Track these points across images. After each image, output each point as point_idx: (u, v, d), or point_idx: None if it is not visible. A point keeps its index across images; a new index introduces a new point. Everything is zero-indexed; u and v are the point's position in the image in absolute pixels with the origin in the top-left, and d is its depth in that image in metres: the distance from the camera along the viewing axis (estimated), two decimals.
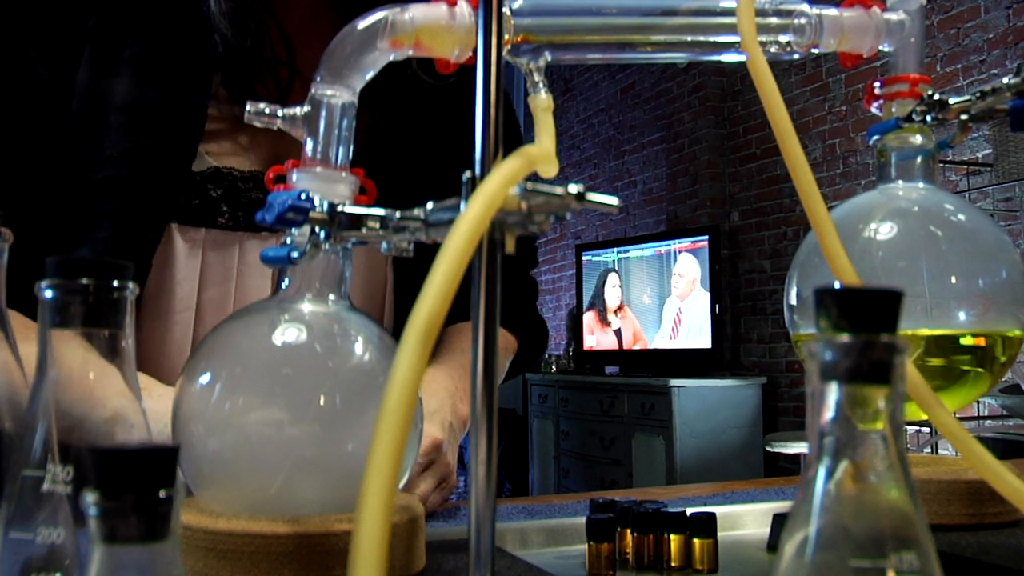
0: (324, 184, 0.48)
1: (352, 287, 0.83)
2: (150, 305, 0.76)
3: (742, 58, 0.55)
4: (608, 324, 4.66)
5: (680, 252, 4.26)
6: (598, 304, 4.73)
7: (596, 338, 4.76)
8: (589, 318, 4.79)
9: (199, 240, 0.78)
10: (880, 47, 0.61)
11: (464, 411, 0.79)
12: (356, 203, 0.49)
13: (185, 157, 0.77)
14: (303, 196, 0.45)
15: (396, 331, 0.45)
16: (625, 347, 4.56)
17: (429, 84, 0.79)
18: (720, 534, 0.57)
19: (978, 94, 0.58)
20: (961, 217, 0.62)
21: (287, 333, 0.47)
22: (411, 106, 0.86)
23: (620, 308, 4.60)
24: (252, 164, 0.81)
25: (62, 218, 0.74)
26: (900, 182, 0.62)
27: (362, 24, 0.50)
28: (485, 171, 0.37)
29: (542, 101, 0.51)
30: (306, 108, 0.50)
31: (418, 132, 0.87)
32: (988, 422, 2.92)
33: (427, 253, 0.38)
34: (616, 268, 4.62)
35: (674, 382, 3.85)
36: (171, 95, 0.76)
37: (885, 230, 0.61)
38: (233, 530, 0.42)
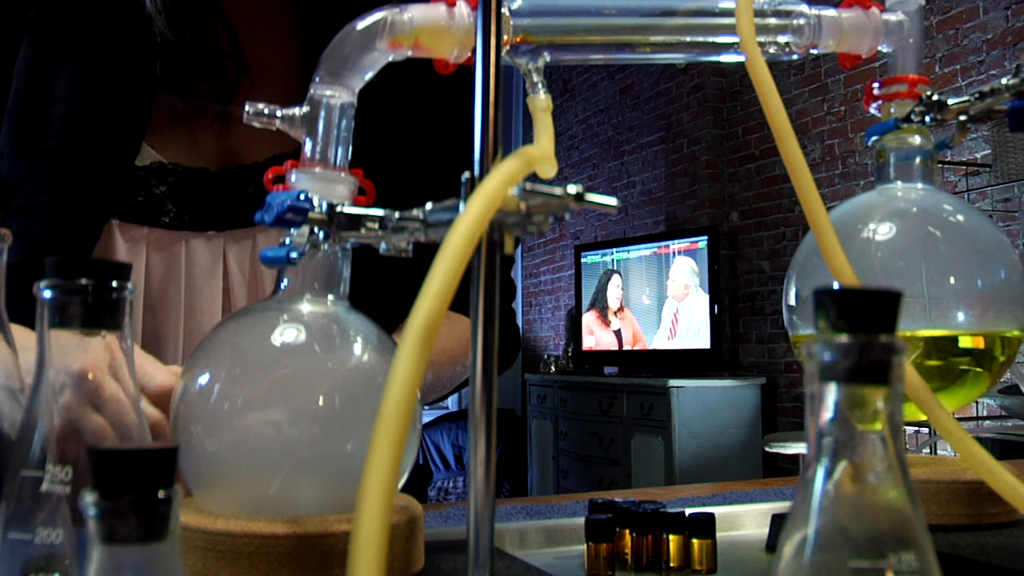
0: (323, 184, 0.48)
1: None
2: None
3: (741, 59, 0.55)
4: (608, 324, 4.66)
5: (675, 255, 4.26)
6: (599, 304, 4.73)
7: (595, 338, 4.76)
8: (590, 318, 4.79)
9: (141, 239, 0.76)
10: (879, 48, 0.61)
11: None
12: (355, 203, 0.49)
13: (128, 150, 0.76)
14: (302, 196, 0.45)
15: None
16: (624, 348, 4.56)
17: (416, 85, 0.78)
18: (719, 534, 0.57)
19: (977, 95, 0.58)
20: (960, 218, 0.62)
21: (286, 333, 0.47)
22: (400, 114, 0.85)
23: (621, 309, 4.60)
24: (199, 160, 0.79)
25: (7, 213, 0.74)
26: (899, 183, 0.62)
27: (361, 24, 0.50)
28: (484, 171, 0.37)
29: (541, 102, 0.51)
30: (305, 108, 0.50)
31: (406, 139, 0.87)
32: (987, 422, 2.92)
33: (426, 253, 0.38)
34: (618, 269, 4.62)
35: (673, 382, 3.85)
36: (115, 87, 0.75)
37: (884, 231, 0.61)
38: (232, 530, 0.42)
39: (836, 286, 0.27)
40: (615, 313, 4.62)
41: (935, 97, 0.59)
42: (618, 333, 4.60)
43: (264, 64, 0.80)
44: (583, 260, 4.86)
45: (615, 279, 4.63)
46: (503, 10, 0.50)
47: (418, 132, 0.86)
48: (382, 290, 0.67)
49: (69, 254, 0.73)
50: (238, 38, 0.77)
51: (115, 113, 0.75)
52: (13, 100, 0.74)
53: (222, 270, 0.79)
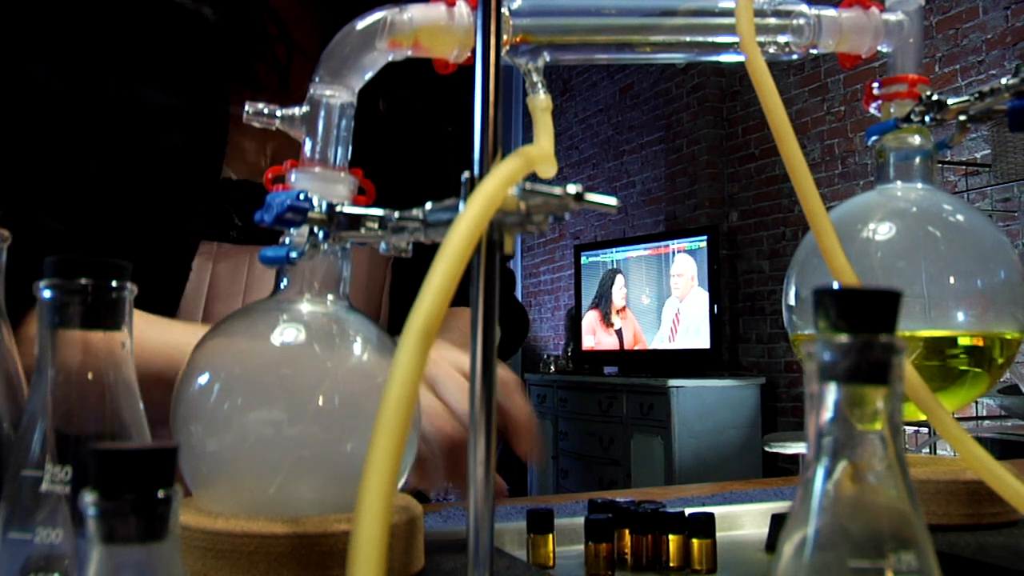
0: (323, 184, 0.48)
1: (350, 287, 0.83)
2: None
3: (741, 59, 0.55)
4: (611, 325, 4.66)
5: (676, 253, 4.26)
6: (603, 305, 4.73)
7: (596, 338, 4.76)
8: (591, 318, 4.78)
9: (210, 254, 0.76)
10: (879, 48, 0.61)
11: None
12: (355, 203, 0.49)
13: (214, 160, 0.76)
14: (302, 196, 0.45)
15: (392, 331, 0.45)
16: (625, 348, 4.56)
17: (413, 86, 0.78)
18: (719, 534, 0.57)
19: (976, 95, 0.58)
20: (959, 218, 0.62)
21: (286, 333, 0.47)
22: (400, 114, 0.85)
23: (623, 309, 4.60)
24: (256, 173, 0.79)
25: (101, 224, 0.73)
26: (899, 182, 0.62)
27: (361, 24, 0.50)
28: (484, 171, 0.37)
29: (541, 101, 0.51)
30: (305, 108, 0.50)
31: (406, 140, 0.86)
32: (986, 422, 2.92)
33: (425, 253, 0.38)
34: (621, 269, 4.62)
35: (673, 382, 3.85)
36: (194, 96, 0.75)
37: (884, 231, 0.61)
38: (232, 530, 0.42)
39: (836, 286, 0.27)
40: (618, 313, 4.62)
41: (935, 97, 0.59)
42: (619, 333, 4.60)
43: (310, 41, 0.78)
44: (583, 260, 4.86)
45: (619, 279, 4.62)
46: (503, 10, 0.50)
47: (419, 132, 0.86)
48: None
49: (171, 264, 0.74)
50: (282, 20, 0.76)
51: (199, 122, 0.75)
52: (107, 117, 0.72)
53: None
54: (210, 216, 0.76)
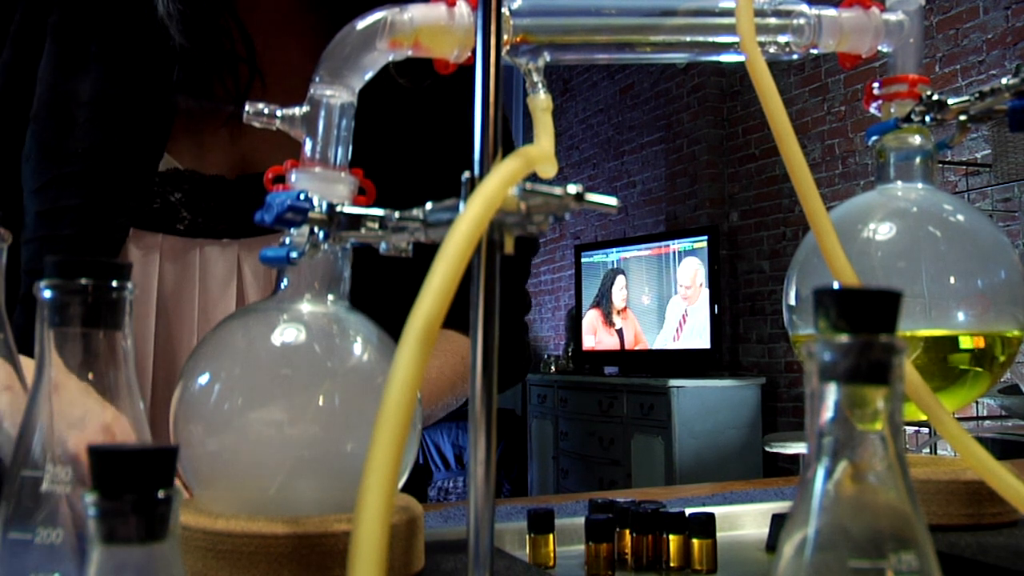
0: (323, 184, 0.48)
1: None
2: None
3: (741, 58, 0.55)
4: (612, 325, 4.66)
5: (681, 255, 4.26)
6: (603, 305, 4.73)
7: (596, 338, 4.76)
8: (593, 318, 4.78)
9: (155, 246, 0.76)
10: (879, 48, 0.61)
11: None
12: (355, 203, 0.49)
13: (151, 155, 0.75)
14: (302, 196, 0.45)
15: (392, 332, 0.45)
16: (626, 348, 4.56)
17: (406, 91, 0.78)
18: (719, 534, 0.57)
19: (977, 95, 0.58)
20: (960, 217, 0.62)
21: (286, 333, 0.47)
22: (400, 115, 0.85)
23: (624, 309, 4.60)
24: (213, 167, 0.79)
25: (22, 215, 0.73)
26: (899, 182, 0.62)
27: (361, 24, 0.50)
28: (484, 171, 0.37)
29: (541, 101, 0.51)
30: (305, 108, 0.50)
31: (406, 140, 0.86)
32: (987, 422, 2.92)
33: (426, 253, 0.38)
34: (624, 270, 4.62)
35: (673, 382, 3.85)
36: (136, 91, 0.75)
37: (884, 231, 0.61)
38: (232, 530, 0.42)
39: (836, 286, 0.27)
40: (619, 313, 4.62)
41: (935, 97, 0.59)
42: (620, 333, 4.60)
43: (278, 68, 0.79)
44: (583, 260, 4.86)
45: (620, 279, 4.63)
46: (503, 10, 0.50)
47: (421, 132, 0.86)
48: (387, 291, 0.67)
49: (100, 253, 0.73)
50: (252, 41, 0.77)
51: (138, 117, 0.75)
52: (37, 104, 0.74)
53: (236, 278, 0.79)
54: (150, 207, 0.75)
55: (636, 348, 4.48)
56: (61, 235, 0.73)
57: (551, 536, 0.57)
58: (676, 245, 4.29)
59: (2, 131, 0.75)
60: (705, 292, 4.14)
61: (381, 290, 0.67)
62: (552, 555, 0.57)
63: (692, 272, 4.21)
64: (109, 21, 0.76)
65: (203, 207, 0.77)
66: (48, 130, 0.74)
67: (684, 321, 4.23)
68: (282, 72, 0.80)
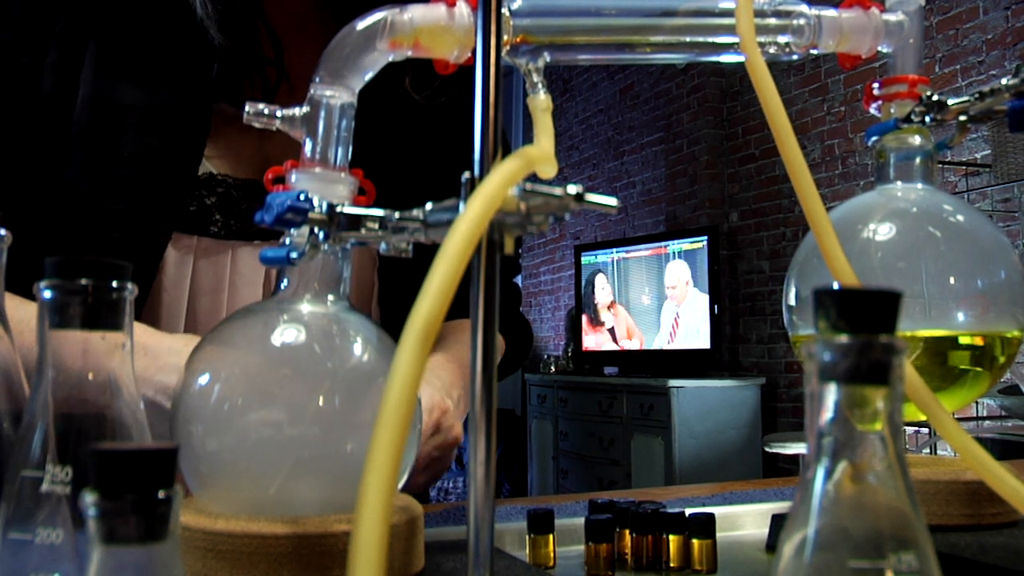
0: (323, 185, 0.48)
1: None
2: (139, 312, 0.76)
3: (741, 59, 0.55)
4: (601, 324, 4.66)
5: (671, 257, 4.26)
6: (588, 308, 4.74)
7: (594, 338, 4.76)
8: (585, 320, 4.79)
9: (190, 248, 0.77)
10: (879, 48, 0.61)
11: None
12: (355, 204, 0.49)
13: (193, 158, 0.77)
14: (302, 197, 0.45)
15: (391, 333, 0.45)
16: (620, 345, 4.56)
17: (419, 105, 0.79)
18: (719, 535, 0.57)
19: (977, 95, 0.58)
20: (960, 218, 0.62)
21: (286, 334, 0.47)
22: (403, 114, 0.85)
23: (612, 304, 4.60)
24: (245, 171, 0.80)
25: (69, 219, 0.74)
26: (899, 183, 0.62)
27: (361, 25, 0.50)
28: (484, 172, 0.37)
29: (541, 102, 0.51)
30: (305, 109, 0.50)
31: (410, 139, 0.87)
32: (987, 423, 2.92)
33: (421, 255, 0.38)
34: (604, 269, 4.63)
35: (673, 383, 3.85)
36: (180, 95, 0.76)
37: (884, 231, 0.61)
38: (232, 531, 0.42)
39: (836, 286, 0.27)
40: (607, 308, 4.62)
41: (935, 97, 0.59)
42: (612, 331, 4.61)
43: (301, 70, 0.80)
44: (583, 260, 4.86)
45: (600, 279, 4.64)
46: (503, 10, 0.50)
47: (427, 133, 0.87)
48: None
49: (140, 260, 0.74)
50: (280, 43, 0.78)
51: (181, 121, 0.76)
52: (80, 106, 0.74)
53: (263, 278, 0.81)
54: (187, 210, 0.77)
55: (636, 348, 4.48)
56: (110, 238, 0.73)
57: (551, 536, 0.57)
58: (675, 246, 4.29)
59: (47, 131, 0.75)
60: (694, 293, 4.14)
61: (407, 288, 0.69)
62: (552, 555, 0.57)
63: (676, 279, 4.22)
64: (149, 24, 0.76)
65: (235, 210, 0.79)
66: (94, 133, 0.74)
67: (677, 324, 4.23)
68: (305, 74, 0.80)
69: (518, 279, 1.11)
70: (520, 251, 1.18)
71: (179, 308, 0.77)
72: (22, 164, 0.74)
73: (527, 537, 0.58)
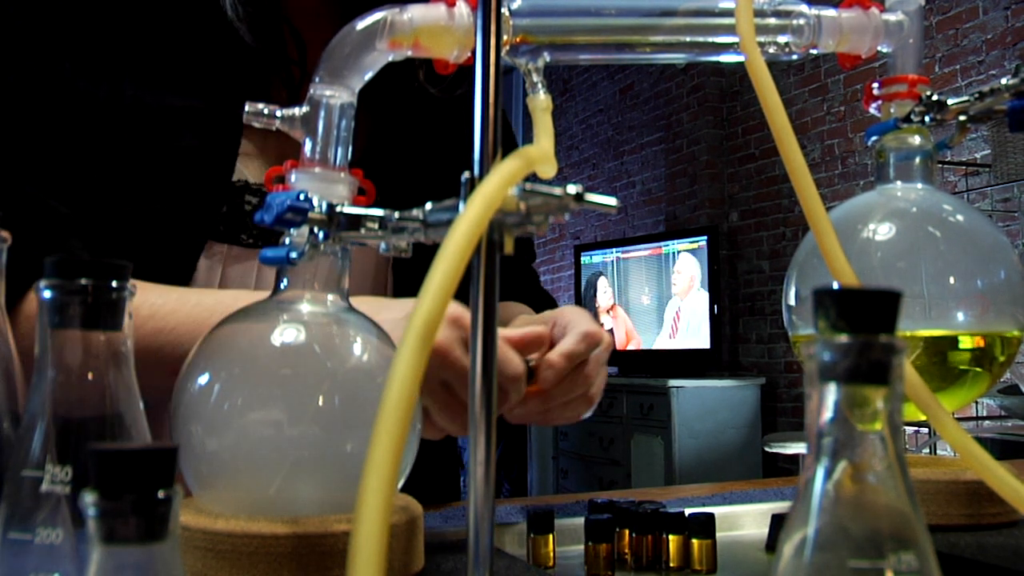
0: (323, 185, 0.48)
1: (354, 290, 0.84)
2: None
3: (741, 59, 0.55)
4: (600, 326, 4.66)
5: (679, 253, 4.26)
6: (589, 309, 4.73)
7: None
8: None
9: (221, 255, 0.77)
10: (879, 48, 0.61)
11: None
12: (355, 204, 0.49)
13: (228, 160, 0.76)
14: (302, 196, 0.45)
15: None
16: (618, 347, 4.56)
17: (435, 98, 0.78)
18: (719, 534, 0.57)
19: (976, 95, 0.58)
20: (959, 218, 0.62)
21: (286, 334, 0.47)
22: (415, 112, 0.86)
23: (612, 308, 4.60)
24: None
25: (107, 222, 0.73)
26: (898, 183, 0.62)
27: (361, 24, 0.50)
28: (484, 172, 0.37)
29: (541, 102, 0.51)
30: (304, 108, 0.50)
31: (421, 138, 0.87)
32: (986, 422, 2.92)
33: (428, 254, 0.38)
34: (605, 271, 4.62)
35: (673, 382, 3.85)
36: (210, 98, 0.75)
37: (884, 231, 0.61)
38: (232, 530, 0.42)
39: (836, 286, 0.27)
40: (607, 312, 4.62)
41: (935, 97, 0.59)
42: (611, 333, 4.60)
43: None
44: (583, 260, 4.85)
45: (602, 281, 4.63)
46: (503, 10, 0.50)
47: (444, 127, 0.87)
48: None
49: (176, 262, 0.74)
50: (304, 43, 0.78)
51: (215, 123, 0.76)
52: (116, 110, 0.73)
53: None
54: (220, 218, 0.77)
55: (636, 348, 4.48)
56: (148, 240, 0.73)
57: (551, 536, 0.57)
58: (676, 245, 4.29)
59: (85, 136, 0.74)
60: (697, 290, 4.14)
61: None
62: (552, 555, 0.57)
63: (684, 268, 4.21)
64: (181, 26, 0.76)
65: None
66: (130, 136, 0.73)
67: (678, 319, 4.23)
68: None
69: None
70: (536, 240, 1.19)
71: (208, 316, 0.77)
72: (72, 170, 0.73)
73: (527, 537, 0.58)
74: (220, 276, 0.77)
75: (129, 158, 0.73)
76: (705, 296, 4.12)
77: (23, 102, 0.70)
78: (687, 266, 4.22)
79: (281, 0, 0.78)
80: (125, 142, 0.73)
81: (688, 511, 0.58)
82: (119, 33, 0.74)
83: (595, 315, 4.70)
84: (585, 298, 4.76)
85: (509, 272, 0.99)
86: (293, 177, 0.49)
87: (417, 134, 0.86)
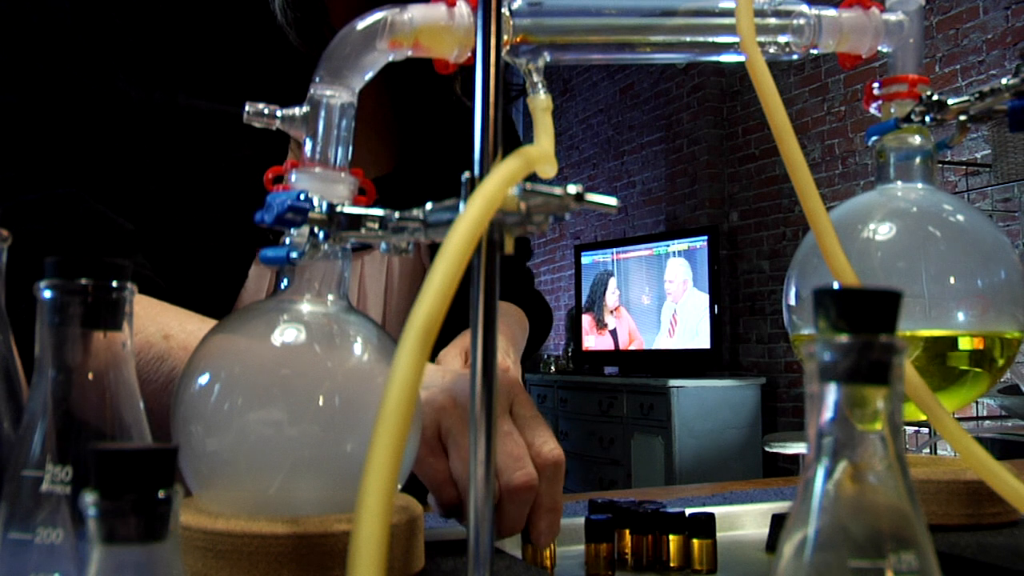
0: (323, 184, 0.48)
1: (395, 294, 0.84)
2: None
3: (741, 59, 0.55)
4: (605, 326, 4.66)
5: (671, 255, 4.26)
6: (596, 309, 4.73)
7: (594, 338, 4.76)
8: (587, 321, 4.78)
9: None
10: (879, 48, 0.61)
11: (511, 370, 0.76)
12: (355, 203, 0.49)
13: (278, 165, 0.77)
14: (302, 196, 0.45)
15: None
16: (621, 347, 4.56)
17: (462, 106, 0.78)
18: (719, 534, 0.57)
19: (977, 95, 0.58)
20: (960, 218, 0.62)
21: (286, 334, 0.47)
22: (448, 123, 0.85)
23: (616, 308, 4.60)
24: None
25: (163, 230, 0.73)
26: (899, 183, 0.62)
27: (361, 24, 0.50)
28: (484, 171, 0.37)
29: (541, 102, 0.51)
30: (305, 108, 0.50)
31: (454, 148, 0.87)
32: (987, 422, 2.92)
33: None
34: (615, 271, 4.62)
35: (673, 382, 3.85)
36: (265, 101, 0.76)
37: (884, 231, 0.61)
38: (232, 530, 0.42)
39: (836, 286, 0.27)
40: (611, 312, 4.62)
41: (935, 97, 0.59)
42: (614, 333, 4.60)
43: None
44: (583, 260, 4.86)
45: (612, 282, 4.63)
46: (503, 10, 0.50)
47: (461, 151, 0.87)
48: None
49: (229, 271, 0.74)
50: None
51: (269, 132, 0.75)
52: (168, 116, 0.73)
53: (358, 290, 0.81)
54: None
55: (636, 348, 4.48)
56: (204, 252, 0.73)
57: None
58: (675, 246, 4.29)
59: (138, 144, 0.73)
60: (693, 292, 4.14)
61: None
62: (552, 555, 0.57)
63: (675, 275, 4.22)
64: (230, 30, 0.75)
65: None
66: (182, 144, 0.73)
67: (675, 321, 4.23)
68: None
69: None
70: (535, 239, 1.19)
71: None
72: (133, 183, 0.72)
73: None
74: (268, 281, 0.77)
75: (187, 169, 0.73)
76: (701, 296, 4.12)
77: (80, 116, 0.70)
78: (677, 272, 4.23)
79: (325, 3, 0.78)
80: (183, 152, 0.73)
81: (688, 511, 0.58)
82: (169, 41, 0.73)
83: (600, 315, 4.70)
84: (593, 298, 4.76)
85: (504, 271, 0.98)
86: (293, 177, 0.49)
87: (450, 144, 0.86)
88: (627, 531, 0.58)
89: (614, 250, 4.69)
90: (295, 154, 0.78)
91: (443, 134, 0.86)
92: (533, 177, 0.39)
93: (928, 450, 2.44)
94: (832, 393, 0.27)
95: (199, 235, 0.74)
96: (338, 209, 0.46)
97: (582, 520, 0.58)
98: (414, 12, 0.50)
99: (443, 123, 0.86)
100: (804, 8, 0.59)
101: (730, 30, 0.56)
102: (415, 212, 0.43)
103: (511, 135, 0.98)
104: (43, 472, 0.35)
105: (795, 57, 0.60)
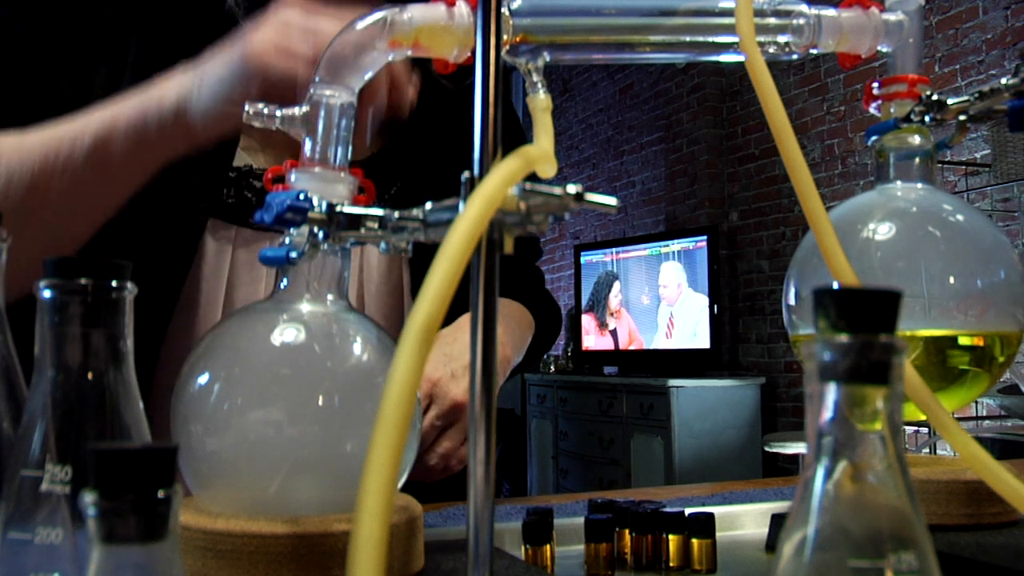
0: (323, 184, 0.48)
1: (372, 290, 0.84)
2: (176, 301, 0.77)
3: (741, 58, 0.55)
4: (605, 327, 4.66)
5: (665, 260, 4.27)
6: (598, 309, 4.73)
7: (594, 338, 4.76)
8: (587, 321, 4.79)
9: (229, 238, 0.78)
10: (878, 47, 0.61)
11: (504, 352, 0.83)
12: (355, 203, 0.49)
13: (228, 148, 0.77)
14: (302, 196, 0.45)
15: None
16: (621, 348, 4.57)
17: (447, 88, 0.78)
18: (718, 534, 0.57)
19: (976, 94, 0.58)
20: (959, 217, 0.62)
21: (286, 333, 0.47)
22: (430, 104, 0.86)
23: (617, 310, 4.61)
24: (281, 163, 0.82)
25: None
26: (898, 182, 0.62)
27: (361, 24, 0.50)
28: (484, 171, 0.37)
29: (541, 101, 0.51)
30: (305, 108, 0.50)
31: (435, 130, 0.87)
32: (986, 422, 2.92)
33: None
34: (618, 274, 4.62)
35: (673, 382, 3.85)
36: None
37: (883, 230, 0.61)
38: (232, 530, 0.42)
39: (836, 286, 0.27)
40: (612, 314, 4.63)
41: (935, 97, 0.59)
42: (614, 333, 4.61)
43: None
44: (583, 260, 4.86)
45: (616, 285, 4.63)
46: (503, 10, 0.50)
47: (446, 137, 0.87)
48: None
49: (177, 245, 0.76)
50: None
51: None
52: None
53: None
54: (226, 201, 0.77)
55: (635, 348, 4.48)
56: (148, 221, 0.74)
57: (547, 547, 0.57)
58: (674, 246, 4.29)
59: None
60: (689, 294, 4.14)
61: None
62: (551, 555, 0.57)
63: (669, 280, 4.22)
64: (181, 13, 0.76)
65: None
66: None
67: (672, 324, 4.24)
68: None
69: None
70: (542, 238, 1.20)
71: (217, 298, 0.78)
72: None
73: (523, 545, 0.57)
74: (230, 257, 0.78)
75: None
76: (698, 297, 4.12)
77: (20, 110, 0.70)
78: (671, 276, 4.23)
79: None
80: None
81: (688, 511, 0.58)
82: (125, 24, 0.75)
83: (603, 316, 4.70)
84: (596, 299, 4.76)
85: (511, 271, 0.99)
86: (293, 177, 0.49)
87: (432, 127, 0.86)
88: (627, 531, 0.58)
89: (614, 250, 4.69)
90: (251, 141, 0.80)
91: (427, 116, 0.86)
92: (533, 177, 0.39)
93: (928, 450, 2.44)
94: (832, 393, 0.27)
95: (143, 206, 0.73)
96: (338, 209, 0.46)
97: (582, 520, 0.58)
98: (414, 12, 0.50)
99: (427, 105, 0.86)
100: (804, 8, 0.59)
101: (730, 30, 0.56)
102: (415, 212, 0.43)
103: (514, 127, 0.98)
104: (43, 472, 0.35)
105: (795, 57, 0.60)
